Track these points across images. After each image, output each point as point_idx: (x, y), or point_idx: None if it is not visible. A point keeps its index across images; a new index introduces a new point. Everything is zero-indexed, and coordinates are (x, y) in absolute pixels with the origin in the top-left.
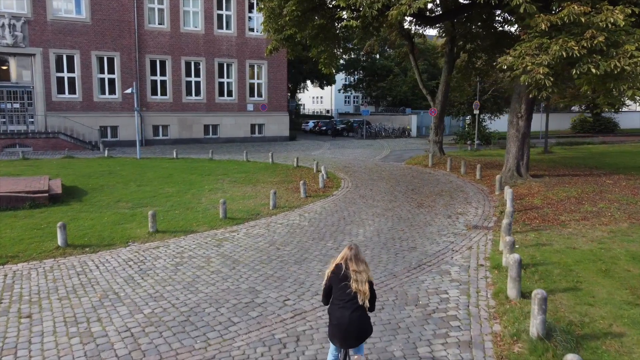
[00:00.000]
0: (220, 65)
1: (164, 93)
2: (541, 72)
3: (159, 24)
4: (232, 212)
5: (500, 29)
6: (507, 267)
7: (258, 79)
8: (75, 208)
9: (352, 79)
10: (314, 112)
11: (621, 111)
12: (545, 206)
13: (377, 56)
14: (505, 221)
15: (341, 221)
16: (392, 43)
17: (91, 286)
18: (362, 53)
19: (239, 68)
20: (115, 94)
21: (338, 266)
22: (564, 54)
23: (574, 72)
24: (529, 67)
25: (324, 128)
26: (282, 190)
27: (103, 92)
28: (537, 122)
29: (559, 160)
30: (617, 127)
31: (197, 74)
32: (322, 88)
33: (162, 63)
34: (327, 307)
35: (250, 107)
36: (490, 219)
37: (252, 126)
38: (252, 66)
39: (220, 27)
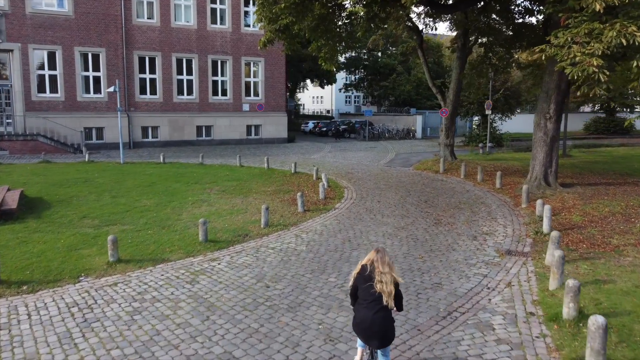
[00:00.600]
0: (214, 63)
1: (153, 92)
2: (594, 63)
3: (147, 18)
4: (216, 232)
5: (521, 20)
6: (570, 320)
7: (254, 77)
8: (30, 227)
9: (353, 77)
10: (313, 112)
11: (636, 111)
12: (588, 225)
13: (380, 54)
14: (557, 253)
15: (346, 244)
16: (396, 39)
17: (10, 350)
18: (364, 51)
19: (234, 65)
20: (100, 93)
21: (363, 267)
22: (622, 41)
23: (635, 64)
24: (577, 58)
25: (325, 129)
26: (276, 203)
27: (87, 91)
28: None
29: (582, 166)
30: (633, 128)
31: (189, 72)
32: (323, 87)
33: (152, 60)
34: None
35: (246, 107)
36: (524, 240)
37: (248, 127)
38: (248, 63)
39: (214, 21)
